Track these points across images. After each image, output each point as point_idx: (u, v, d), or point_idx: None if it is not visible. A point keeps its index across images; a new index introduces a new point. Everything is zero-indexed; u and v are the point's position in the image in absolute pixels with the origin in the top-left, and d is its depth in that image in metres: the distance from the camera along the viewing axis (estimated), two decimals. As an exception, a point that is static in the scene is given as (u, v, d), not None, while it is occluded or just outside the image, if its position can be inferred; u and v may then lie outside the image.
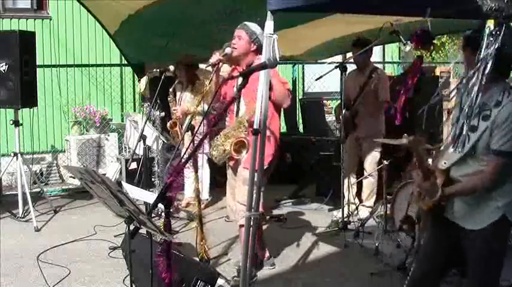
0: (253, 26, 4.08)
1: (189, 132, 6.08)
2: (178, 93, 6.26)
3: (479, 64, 2.40)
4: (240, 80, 2.96)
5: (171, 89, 5.91)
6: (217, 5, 5.21)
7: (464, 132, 2.59)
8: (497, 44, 2.42)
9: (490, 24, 2.48)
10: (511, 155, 2.55)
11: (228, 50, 4.05)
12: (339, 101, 5.92)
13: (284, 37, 3.87)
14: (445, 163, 2.73)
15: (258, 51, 4.05)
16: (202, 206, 6.39)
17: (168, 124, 6.15)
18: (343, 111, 5.50)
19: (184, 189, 6.55)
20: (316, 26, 5.77)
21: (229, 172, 4.35)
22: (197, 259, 4.33)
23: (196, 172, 4.54)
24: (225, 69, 4.69)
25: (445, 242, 2.84)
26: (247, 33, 4.06)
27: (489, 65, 2.40)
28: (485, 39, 2.44)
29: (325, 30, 6.08)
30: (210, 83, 4.15)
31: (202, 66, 6.06)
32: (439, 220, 2.81)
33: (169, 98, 5.99)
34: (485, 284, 2.77)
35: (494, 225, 2.65)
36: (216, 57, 4.03)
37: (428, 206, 2.75)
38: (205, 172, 6.42)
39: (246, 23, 4.12)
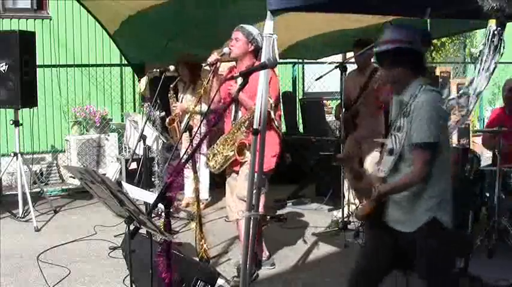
0: (250, 28, 4.12)
1: (187, 133, 6.10)
2: (180, 93, 6.26)
3: (482, 63, 2.41)
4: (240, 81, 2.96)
5: (172, 85, 5.92)
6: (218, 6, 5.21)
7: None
8: (500, 44, 2.43)
9: (492, 24, 2.49)
10: (430, 145, 2.55)
11: (226, 49, 4.07)
12: (339, 101, 5.93)
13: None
14: (383, 171, 2.73)
15: (256, 52, 4.08)
16: (202, 206, 6.40)
17: (167, 120, 6.15)
18: (343, 111, 5.49)
19: (184, 189, 6.55)
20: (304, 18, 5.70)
21: (229, 173, 4.36)
22: (197, 259, 4.33)
23: (195, 172, 4.54)
24: (223, 68, 4.70)
25: (385, 244, 2.84)
26: (244, 34, 4.09)
27: (492, 66, 2.40)
28: (487, 39, 2.45)
29: (312, 23, 6.01)
30: (207, 82, 4.17)
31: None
32: (377, 223, 2.81)
33: (169, 94, 6.00)
34: (435, 283, 2.74)
35: (424, 227, 2.64)
36: (214, 56, 4.04)
37: (366, 212, 2.76)
38: (204, 172, 6.42)
39: (242, 25, 4.16)
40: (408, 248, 2.73)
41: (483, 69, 2.50)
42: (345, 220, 5.48)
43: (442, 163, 2.64)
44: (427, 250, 2.66)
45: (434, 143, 2.54)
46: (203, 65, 5.17)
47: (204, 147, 6.20)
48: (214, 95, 4.07)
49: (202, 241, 4.43)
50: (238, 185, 4.18)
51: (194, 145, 4.13)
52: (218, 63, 4.07)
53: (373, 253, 2.90)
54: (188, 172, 6.25)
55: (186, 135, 6.18)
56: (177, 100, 6.16)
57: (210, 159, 4.23)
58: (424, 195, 2.63)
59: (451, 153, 2.77)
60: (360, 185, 2.70)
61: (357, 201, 6.03)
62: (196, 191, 4.52)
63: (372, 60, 5.97)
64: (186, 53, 6.19)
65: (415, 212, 2.65)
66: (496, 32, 2.39)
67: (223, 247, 5.03)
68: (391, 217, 2.75)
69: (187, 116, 5.90)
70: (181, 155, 6.07)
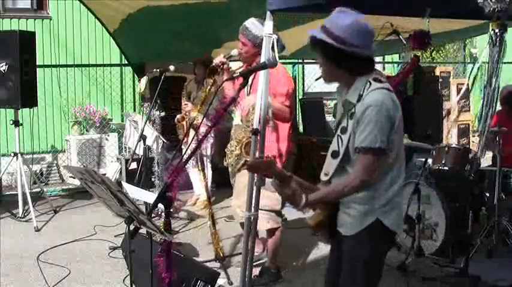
0: (255, 29, 3.93)
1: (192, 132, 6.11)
2: (193, 93, 6.27)
3: (491, 66, 2.40)
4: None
5: (185, 83, 6.00)
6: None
7: None
8: (502, 45, 2.41)
9: (494, 26, 2.48)
10: (374, 151, 2.31)
11: (234, 52, 4.03)
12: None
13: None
14: (326, 174, 2.55)
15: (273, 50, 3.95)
16: (203, 206, 6.41)
17: (177, 118, 6.17)
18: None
19: (183, 189, 6.56)
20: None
21: (238, 174, 4.32)
22: (198, 259, 4.33)
23: (203, 170, 4.56)
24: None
25: (336, 254, 2.65)
26: (249, 38, 3.95)
27: (498, 66, 2.39)
28: (489, 41, 2.44)
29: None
30: (212, 84, 4.15)
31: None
32: (334, 234, 2.59)
33: (182, 93, 6.06)
34: None
35: (366, 230, 2.44)
36: (219, 58, 4.00)
37: (315, 223, 2.54)
38: (207, 173, 6.44)
39: (246, 25, 3.98)
40: (344, 250, 2.54)
41: (492, 76, 2.49)
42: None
43: (395, 170, 2.45)
44: (362, 253, 2.46)
45: (379, 149, 2.32)
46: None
47: (208, 147, 6.26)
48: (214, 95, 4.05)
49: (216, 238, 4.42)
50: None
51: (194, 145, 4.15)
52: (225, 65, 4.03)
53: (330, 265, 2.72)
54: (190, 168, 6.31)
55: (192, 135, 6.22)
56: (189, 99, 6.19)
57: (228, 156, 4.18)
58: (370, 200, 2.43)
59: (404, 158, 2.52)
60: (287, 191, 2.38)
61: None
62: (206, 189, 4.52)
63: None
64: (207, 54, 6.26)
65: (357, 214, 2.45)
66: (498, 34, 2.38)
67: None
68: (340, 222, 2.54)
69: (193, 116, 5.95)
70: (182, 155, 6.08)
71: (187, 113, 6.12)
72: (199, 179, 6.39)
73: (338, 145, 2.46)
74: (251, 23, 3.99)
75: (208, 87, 4.26)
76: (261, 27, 3.79)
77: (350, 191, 2.39)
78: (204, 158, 6.22)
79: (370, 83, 2.39)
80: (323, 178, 2.56)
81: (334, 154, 2.49)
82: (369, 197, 2.42)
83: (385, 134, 2.33)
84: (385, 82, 2.41)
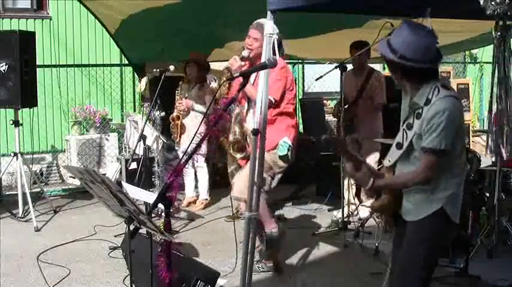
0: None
1: (187, 133, 6.15)
2: (184, 92, 6.27)
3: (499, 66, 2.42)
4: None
5: (180, 82, 6.03)
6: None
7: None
8: (506, 46, 2.43)
9: (497, 29, 2.50)
10: (437, 152, 2.56)
11: (245, 53, 4.03)
12: (338, 101, 5.93)
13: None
14: (389, 161, 2.78)
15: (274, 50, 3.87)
16: (202, 206, 6.42)
17: (172, 115, 6.18)
18: (343, 110, 5.48)
19: (184, 189, 6.56)
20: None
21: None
22: (198, 259, 4.32)
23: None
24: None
25: (398, 241, 2.87)
26: (262, 34, 3.90)
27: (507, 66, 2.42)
28: (495, 43, 2.46)
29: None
30: (221, 85, 4.16)
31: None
32: (398, 220, 2.83)
33: (177, 91, 6.07)
34: (405, 272, 2.74)
35: (431, 215, 2.67)
36: (236, 63, 3.98)
37: (378, 205, 2.80)
38: (203, 172, 6.43)
39: (259, 21, 4.01)
40: (406, 234, 2.75)
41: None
42: (345, 220, 5.48)
43: (457, 167, 2.68)
44: (424, 236, 2.69)
45: (442, 151, 2.56)
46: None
47: (204, 147, 6.25)
48: (213, 97, 4.06)
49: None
50: (236, 183, 4.15)
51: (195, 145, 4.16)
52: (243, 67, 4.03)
53: (395, 251, 2.91)
54: (188, 171, 6.30)
55: (187, 135, 6.23)
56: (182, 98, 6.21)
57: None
58: (433, 189, 2.66)
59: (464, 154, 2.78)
60: (358, 174, 2.63)
61: (357, 201, 6.05)
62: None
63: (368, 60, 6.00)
64: (200, 53, 6.26)
65: (423, 203, 2.68)
66: (503, 34, 2.39)
67: (222, 247, 5.02)
68: (404, 210, 2.77)
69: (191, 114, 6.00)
70: (181, 155, 6.10)
71: (181, 112, 6.13)
72: (191, 180, 6.42)
73: (403, 138, 2.71)
74: (263, 20, 3.96)
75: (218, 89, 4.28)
76: (274, 26, 3.78)
77: (413, 185, 2.66)
78: (199, 157, 6.26)
79: (439, 90, 2.59)
80: (386, 163, 2.79)
81: (399, 146, 2.74)
82: (433, 188, 2.65)
83: (450, 139, 2.57)
84: (452, 89, 2.67)
